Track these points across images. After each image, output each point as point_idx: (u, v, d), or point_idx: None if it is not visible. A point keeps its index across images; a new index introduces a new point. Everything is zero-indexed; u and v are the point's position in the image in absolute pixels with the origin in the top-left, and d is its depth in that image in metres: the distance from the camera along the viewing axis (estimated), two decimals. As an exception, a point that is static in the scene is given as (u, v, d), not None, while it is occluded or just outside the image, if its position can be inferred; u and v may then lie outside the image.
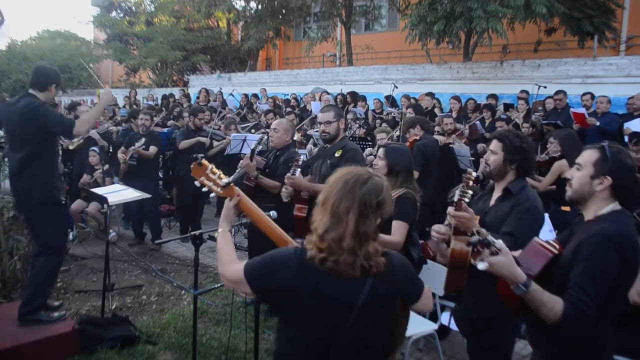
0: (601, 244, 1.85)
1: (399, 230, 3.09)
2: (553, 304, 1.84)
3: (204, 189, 2.04)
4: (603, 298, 1.84)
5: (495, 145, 2.69)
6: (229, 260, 1.87)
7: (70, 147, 6.91)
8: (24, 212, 3.93)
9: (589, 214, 2.02)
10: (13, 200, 4.07)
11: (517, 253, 2.03)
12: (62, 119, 3.82)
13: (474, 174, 2.59)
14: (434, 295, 3.75)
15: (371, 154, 5.62)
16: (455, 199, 2.44)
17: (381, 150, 3.39)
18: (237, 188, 2.05)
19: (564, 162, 5.09)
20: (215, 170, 2.04)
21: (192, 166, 2.05)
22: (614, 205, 1.98)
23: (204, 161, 2.06)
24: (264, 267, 1.72)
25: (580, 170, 2.01)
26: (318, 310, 1.67)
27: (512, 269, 1.81)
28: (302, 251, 1.69)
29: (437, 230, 2.64)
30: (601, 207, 1.97)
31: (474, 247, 1.86)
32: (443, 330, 3.84)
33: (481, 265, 1.80)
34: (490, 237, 1.82)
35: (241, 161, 4.29)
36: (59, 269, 3.99)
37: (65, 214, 4.07)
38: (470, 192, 2.47)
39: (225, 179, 2.03)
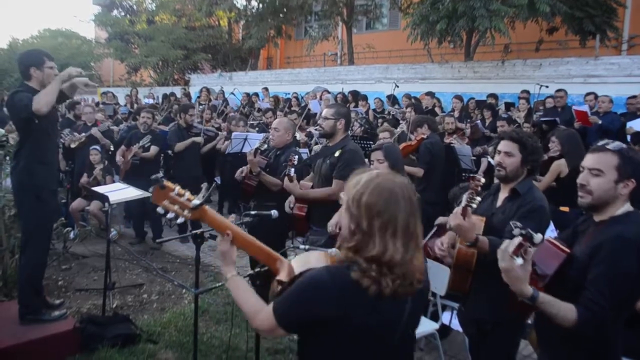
0: (621, 247, 1.85)
1: None
2: (564, 312, 1.85)
3: (169, 215, 1.73)
4: (619, 300, 1.85)
5: (509, 146, 2.56)
6: (254, 309, 1.63)
7: (72, 145, 6.89)
8: (14, 196, 3.91)
9: (603, 215, 2.00)
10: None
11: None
12: (23, 99, 3.49)
13: (482, 180, 2.54)
14: (434, 294, 3.75)
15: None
16: (463, 204, 2.37)
17: (378, 153, 3.35)
18: (209, 208, 1.77)
19: (562, 161, 5.05)
20: (181, 191, 1.73)
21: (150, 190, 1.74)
22: (628, 206, 1.98)
23: (167, 182, 1.73)
24: (298, 306, 1.50)
25: (601, 177, 1.94)
26: (365, 330, 1.51)
27: (522, 285, 1.81)
28: (341, 274, 1.47)
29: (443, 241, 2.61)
30: (618, 208, 1.97)
31: (521, 240, 1.79)
32: (444, 330, 3.84)
33: (519, 261, 1.76)
34: (530, 231, 1.77)
35: (247, 155, 4.31)
36: (42, 266, 3.87)
37: (51, 206, 3.96)
38: (479, 198, 2.41)
39: (196, 200, 1.72)
